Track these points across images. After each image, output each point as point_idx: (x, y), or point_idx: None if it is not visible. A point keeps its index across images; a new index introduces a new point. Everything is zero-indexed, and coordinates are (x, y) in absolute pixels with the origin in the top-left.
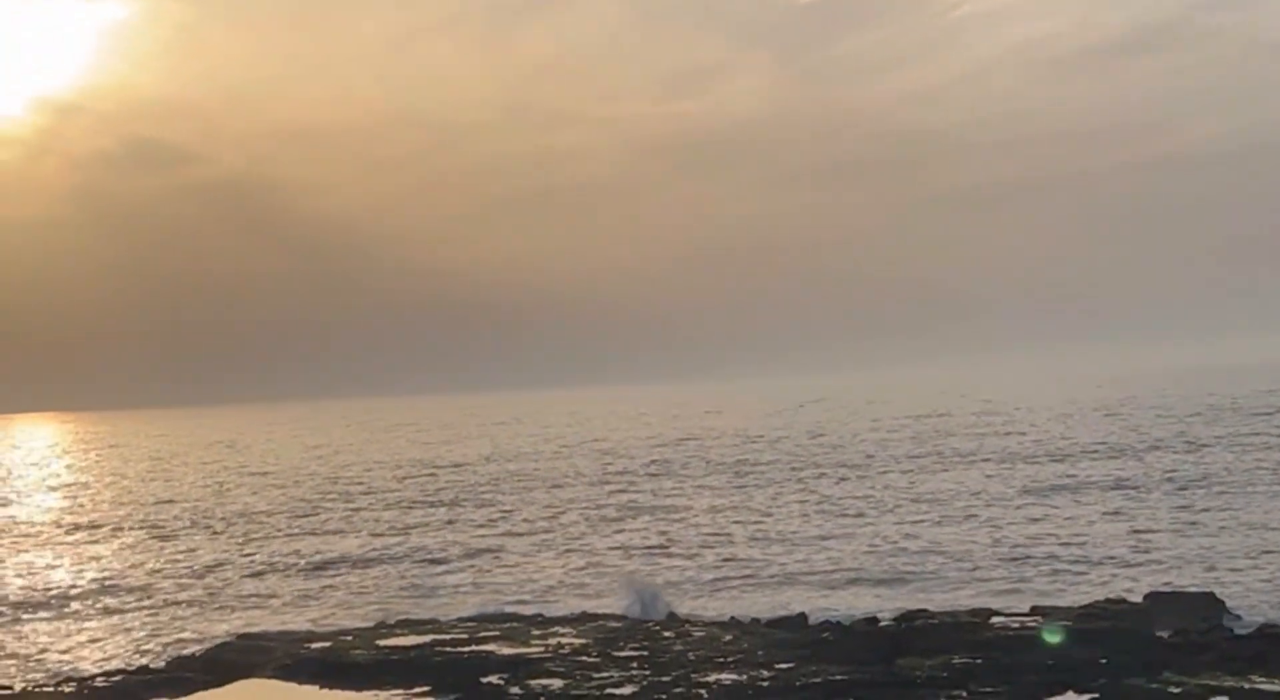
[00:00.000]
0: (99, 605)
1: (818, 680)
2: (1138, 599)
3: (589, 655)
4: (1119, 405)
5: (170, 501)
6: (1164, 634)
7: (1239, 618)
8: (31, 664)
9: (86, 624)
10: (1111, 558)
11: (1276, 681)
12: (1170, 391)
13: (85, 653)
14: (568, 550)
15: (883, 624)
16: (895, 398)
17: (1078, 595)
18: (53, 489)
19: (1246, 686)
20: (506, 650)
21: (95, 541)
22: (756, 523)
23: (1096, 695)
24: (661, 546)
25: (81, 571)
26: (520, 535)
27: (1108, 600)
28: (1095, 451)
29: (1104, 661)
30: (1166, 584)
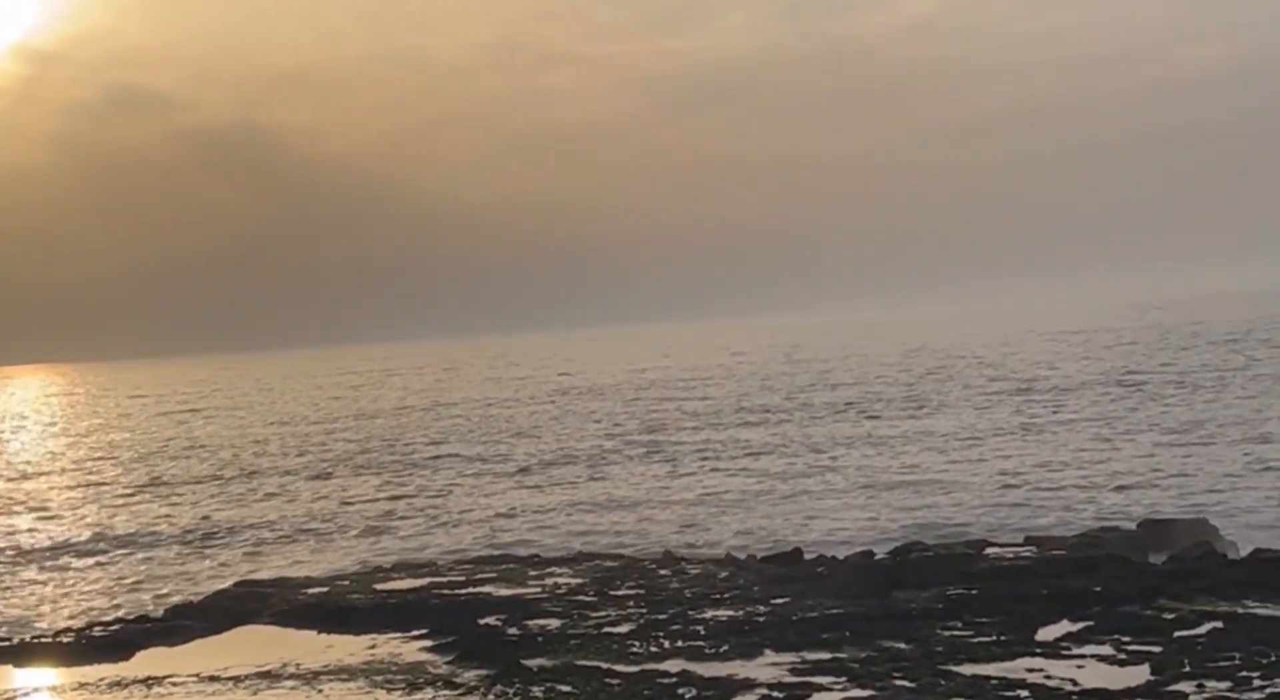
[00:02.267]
0: (96, 556)
1: (813, 614)
2: (1131, 526)
3: (586, 595)
4: (1109, 334)
5: (166, 452)
6: (1158, 561)
7: (1232, 543)
8: (30, 616)
9: (84, 575)
10: (1104, 486)
11: (1270, 605)
12: (1163, 319)
13: (83, 604)
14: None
15: (878, 558)
16: (899, 333)
17: (1072, 525)
18: (44, 441)
19: (1240, 611)
20: (503, 592)
21: (92, 492)
22: (744, 458)
23: (1091, 623)
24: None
25: (78, 523)
26: (521, 475)
27: (1101, 529)
28: (1086, 381)
29: (1098, 589)
30: (1159, 511)
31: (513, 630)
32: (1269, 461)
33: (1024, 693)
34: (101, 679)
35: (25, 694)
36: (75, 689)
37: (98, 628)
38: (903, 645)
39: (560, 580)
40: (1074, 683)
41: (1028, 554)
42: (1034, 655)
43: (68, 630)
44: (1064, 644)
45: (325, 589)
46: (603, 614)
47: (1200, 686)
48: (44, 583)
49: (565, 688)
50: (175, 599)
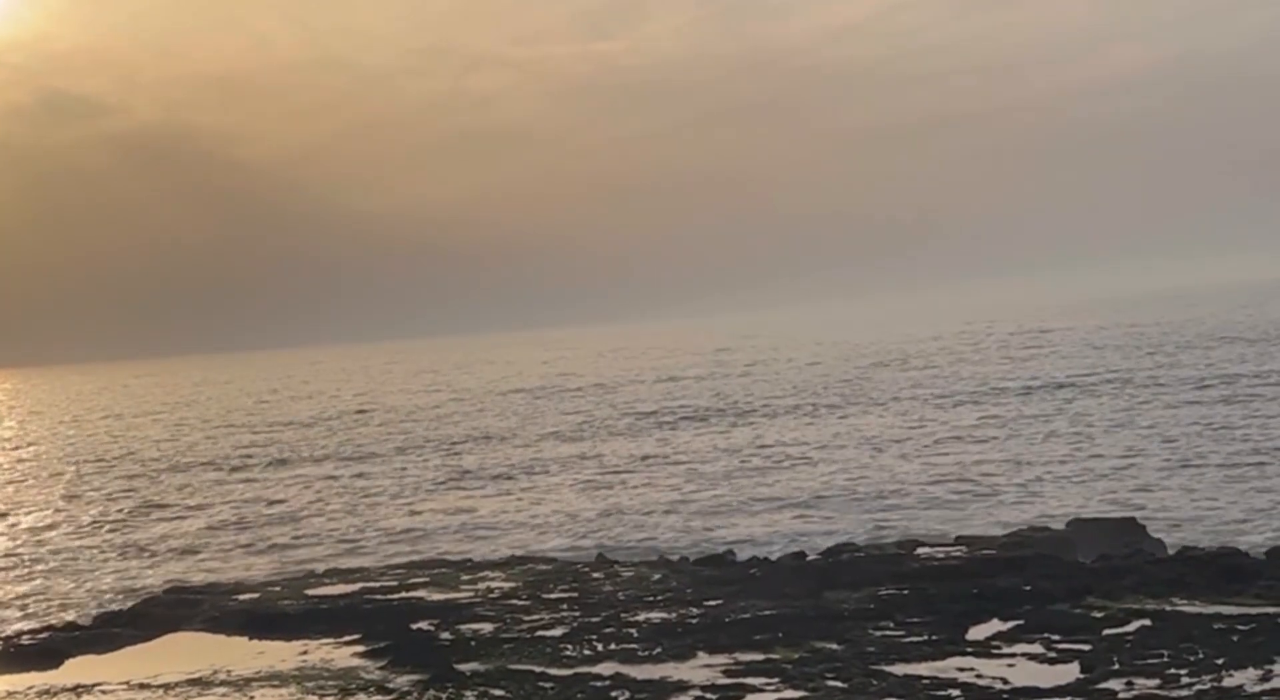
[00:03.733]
0: (22, 562)
1: (746, 616)
2: (1060, 526)
3: (519, 598)
4: (1045, 336)
5: (94, 456)
6: (1086, 560)
7: (1159, 542)
8: None
9: (9, 582)
10: (1032, 486)
11: (1196, 603)
12: (1100, 320)
13: (9, 611)
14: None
15: (810, 559)
16: (830, 334)
17: (1001, 524)
18: None
19: (1168, 609)
20: (436, 596)
21: (18, 497)
22: (685, 463)
23: (1021, 622)
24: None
25: (4, 528)
26: (457, 481)
27: (1030, 528)
28: (1017, 382)
29: (1027, 589)
30: (1087, 510)
31: (446, 635)
32: (1193, 461)
33: (955, 692)
34: (30, 688)
35: None
36: (3, 698)
37: (25, 636)
38: (835, 646)
39: (493, 584)
40: (1005, 681)
41: (958, 554)
42: (965, 654)
43: None
44: (995, 643)
45: (256, 595)
46: (536, 617)
47: (1129, 684)
48: None
49: (499, 692)
50: (104, 606)
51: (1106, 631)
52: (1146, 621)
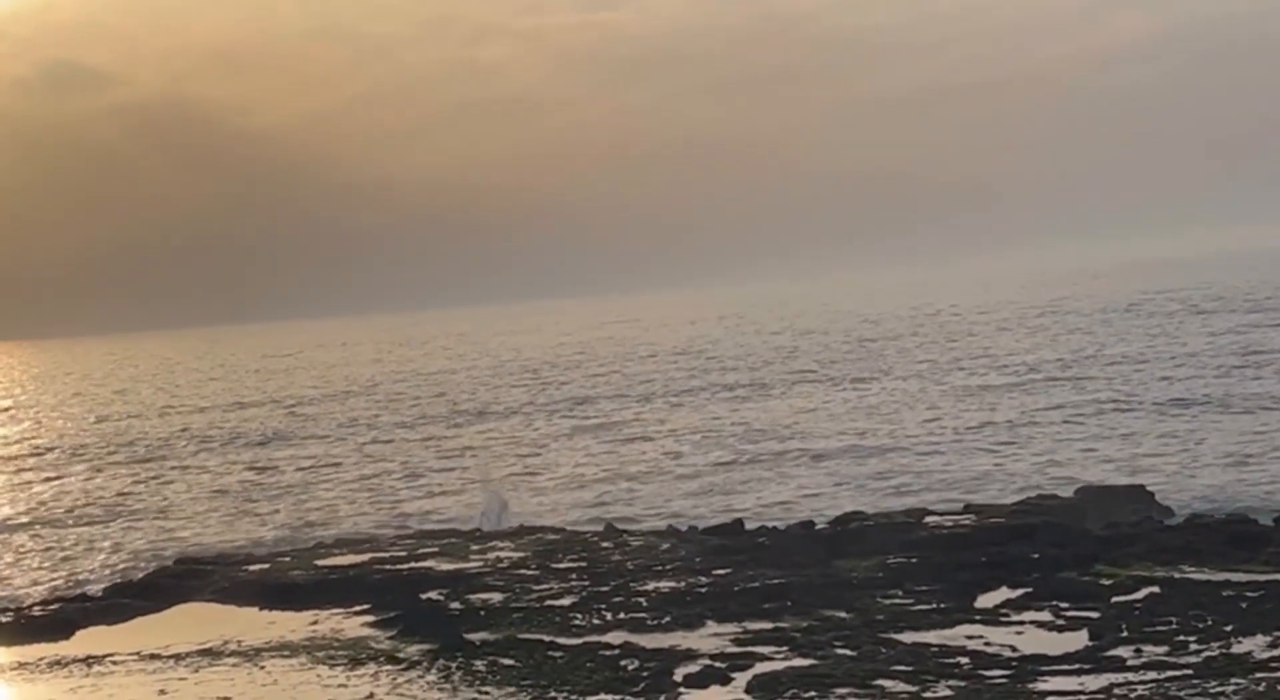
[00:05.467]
0: (34, 534)
1: (755, 585)
2: (1069, 494)
3: (528, 568)
4: (1061, 305)
5: (102, 427)
6: (1095, 528)
7: (1168, 509)
8: None
9: (21, 553)
10: (1041, 454)
11: (1205, 570)
12: (1114, 288)
13: (21, 582)
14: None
15: (818, 528)
16: (850, 303)
17: (1010, 492)
18: None
19: (1176, 576)
20: (446, 566)
21: (28, 470)
22: (695, 432)
23: (1030, 590)
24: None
25: (15, 500)
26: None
27: (1039, 496)
28: (1031, 351)
29: (1036, 557)
30: (1096, 478)
31: (455, 605)
32: (1204, 430)
33: (964, 660)
34: (41, 659)
35: None
36: (14, 669)
37: (37, 607)
38: (844, 614)
39: (502, 554)
40: (1013, 649)
41: (967, 522)
42: (974, 622)
43: (5, 610)
44: (1003, 611)
45: (266, 566)
46: (545, 587)
47: (1138, 651)
48: None
49: (508, 661)
50: (115, 577)
51: (1115, 599)
52: (1155, 588)
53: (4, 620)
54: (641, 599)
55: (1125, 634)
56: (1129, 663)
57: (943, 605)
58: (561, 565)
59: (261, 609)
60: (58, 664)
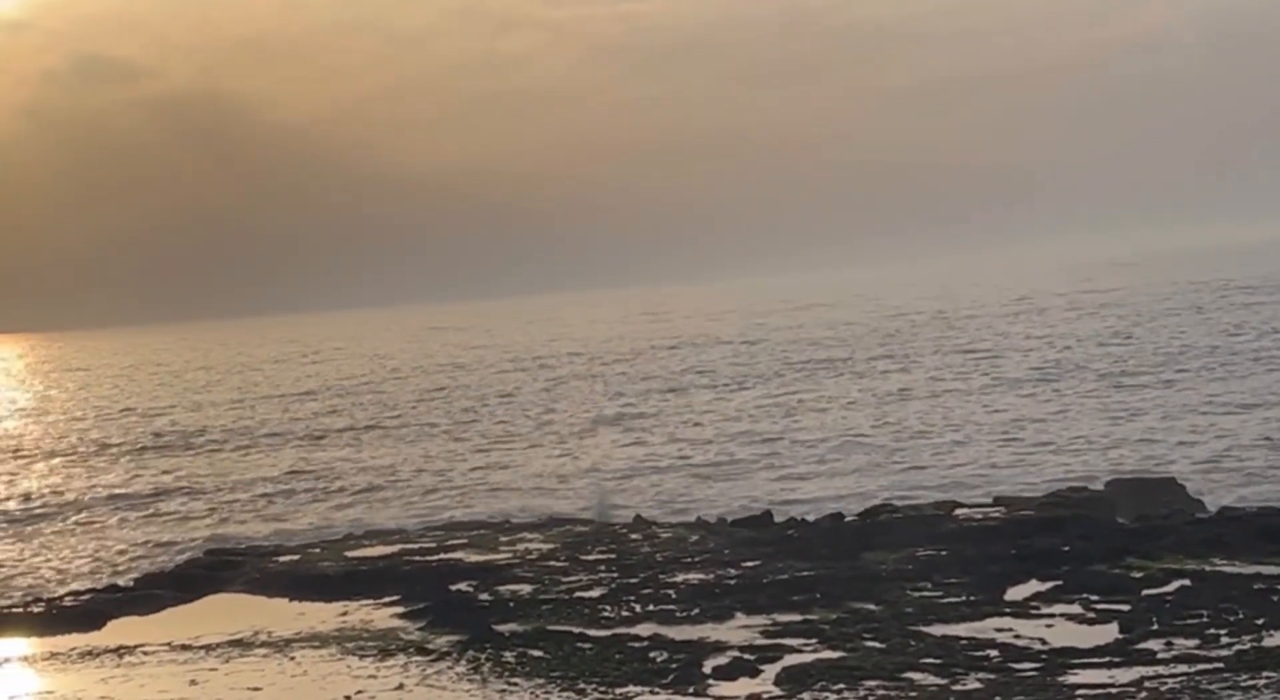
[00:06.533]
0: (67, 524)
1: (784, 577)
2: (1099, 486)
3: (557, 560)
4: (1102, 294)
5: (135, 420)
6: (1125, 520)
7: (1199, 501)
8: (0, 585)
9: (54, 544)
10: (1072, 446)
11: (1236, 563)
12: (1144, 279)
13: (53, 573)
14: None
15: (847, 520)
16: (877, 293)
17: (1040, 484)
18: (17, 409)
19: (1207, 569)
20: (475, 558)
21: (62, 461)
22: (728, 422)
23: (1060, 582)
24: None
25: (49, 491)
26: (500, 442)
27: (1070, 488)
28: (1063, 343)
29: (1066, 549)
30: (1127, 470)
31: (484, 596)
32: (1233, 424)
33: (993, 652)
34: (73, 649)
35: None
36: (46, 659)
37: (68, 598)
38: (873, 607)
39: (531, 546)
40: (1043, 642)
41: (996, 515)
42: (1003, 615)
43: (38, 600)
44: (1033, 604)
45: (296, 557)
46: (574, 579)
47: (1169, 644)
48: (15, 551)
49: (537, 652)
50: (146, 567)
51: (1145, 592)
52: (1186, 581)
53: (36, 610)
54: (670, 591)
55: (1156, 627)
56: (1159, 656)
57: (972, 598)
58: (591, 557)
59: (292, 600)
60: (89, 654)
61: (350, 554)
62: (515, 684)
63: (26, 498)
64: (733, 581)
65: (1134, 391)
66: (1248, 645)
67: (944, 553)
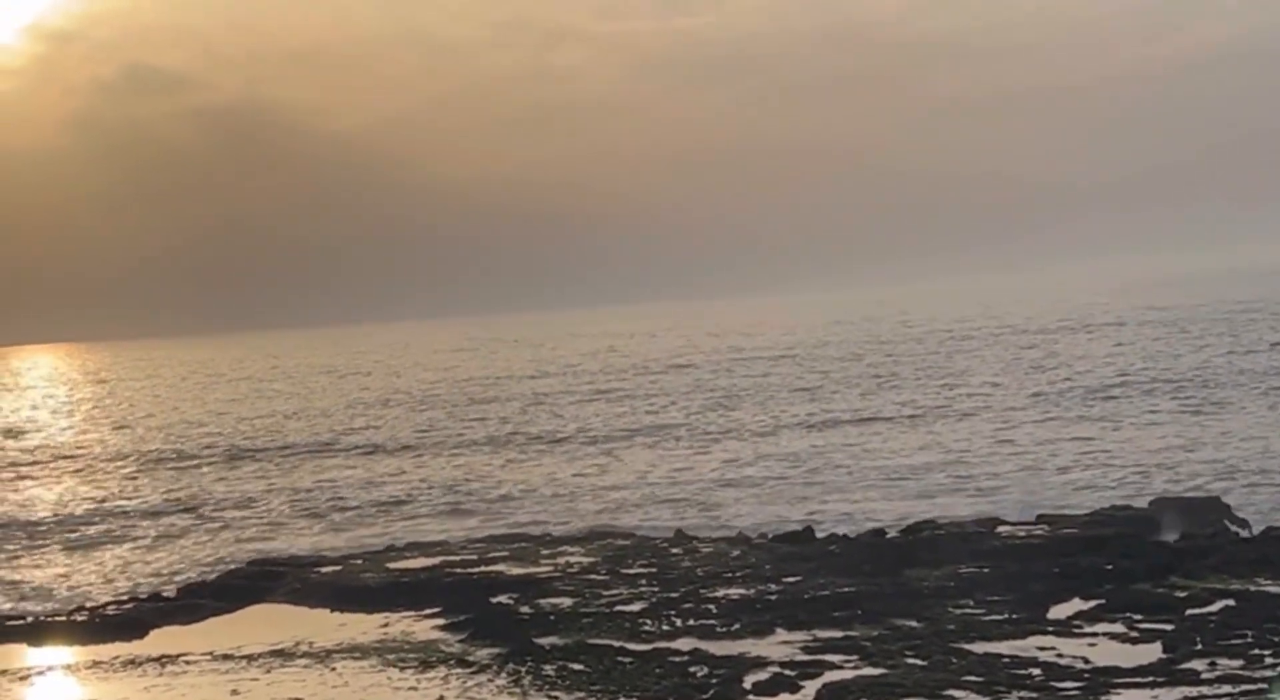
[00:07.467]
0: (110, 534)
1: (825, 593)
2: (1143, 505)
3: (597, 573)
4: (1135, 314)
5: (181, 430)
6: (1170, 539)
7: (1244, 521)
8: (44, 594)
9: (98, 553)
10: (1117, 464)
11: None
12: (1192, 299)
13: (97, 581)
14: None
15: (889, 536)
16: (919, 309)
17: (1084, 503)
18: (62, 419)
19: (1252, 589)
20: (516, 570)
21: (107, 471)
22: (767, 437)
23: (1103, 601)
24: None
25: (93, 500)
26: (542, 452)
27: (1113, 507)
28: (1108, 360)
29: (1110, 568)
30: (1171, 490)
31: (525, 609)
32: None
33: (1036, 671)
34: (116, 657)
35: (40, 673)
36: (89, 667)
37: (111, 606)
38: (914, 623)
39: (572, 559)
40: (1086, 661)
41: (1039, 532)
42: (1046, 633)
43: (82, 609)
44: (1076, 622)
45: (338, 568)
46: (615, 592)
47: (1212, 664)
48: (60, 560)
49: (577, 666)
50: (189, 578)
51: (1189, 611)
52: (1230, 601)
53: (80, 619)
54: (711, 605)
55: (1199, 647)
56: (1203, 676)
57: (1014, 616)
58: (631, 571)
59: (333, 611)
60: (132, 663)
61: (391, 565)
62: (555, 697)
63: (71, 506)
64: (774, 597)
65: (1182, 410)
66: None
67: (986, 570)
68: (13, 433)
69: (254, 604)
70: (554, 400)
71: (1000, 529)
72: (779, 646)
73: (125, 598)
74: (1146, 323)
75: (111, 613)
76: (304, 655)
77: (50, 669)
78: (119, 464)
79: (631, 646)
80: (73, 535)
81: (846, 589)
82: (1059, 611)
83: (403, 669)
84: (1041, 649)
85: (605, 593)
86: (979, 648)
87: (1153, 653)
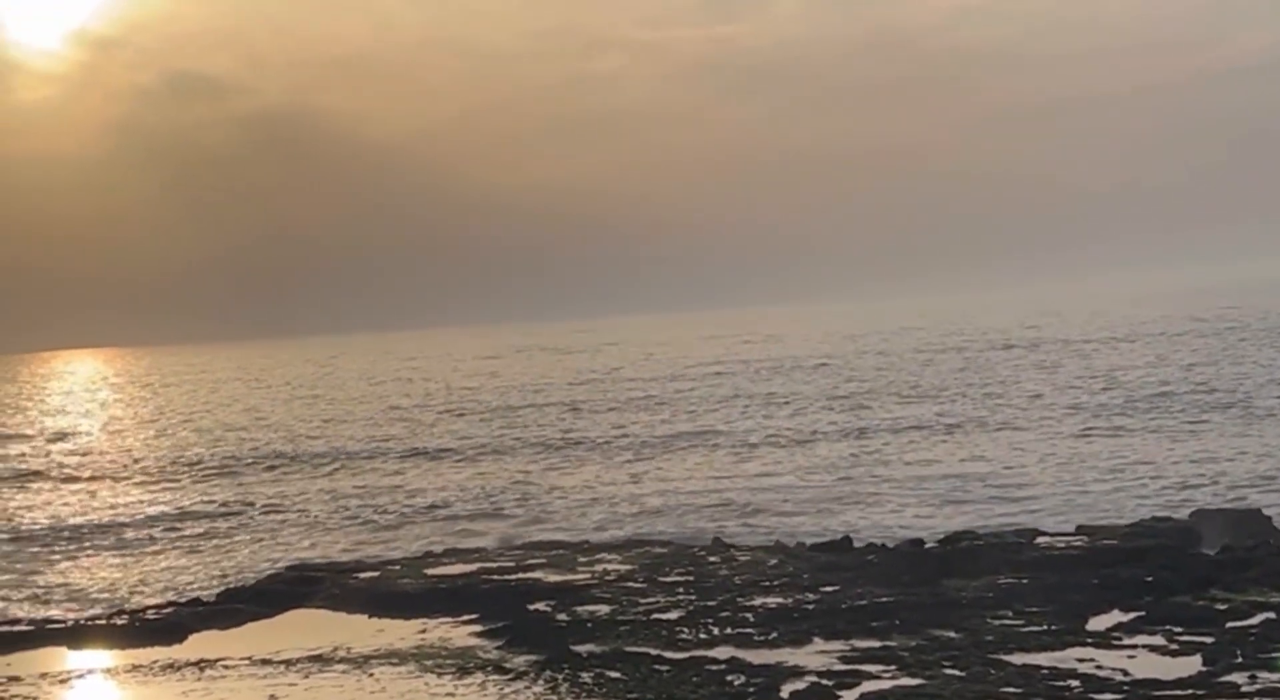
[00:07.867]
0: (150, 538)
1: (863, 603)
2: (1184, 516)
3: (635, 581)
4: (1185, 324)
5: (223, 435)
6: (1210, 551)
7: None
8: (84, 598)
9: (137, 557)
10: (1157, 476)
11: None
12: (1236, 310)
13: (136, 586)
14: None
15: (928, 546)
16: (949, 321)
17: (1124, 514)
18: (106, 424)
19: None
20: (553, 578)
21: (149, 475)
22: (805, 446)
23: (1143, 613)
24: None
25: (135, 504)
26: (578, 461)
27: (1154, 518)
28: (1154, 372)
29: (1150, 579)
30: (1212, 502)
31: (562, 616)
32: None
33: (1074, 683)
34: (154, 661)
35: (79, 676)
36: (128, 671)
37: (150, 610)
38: (952, 634)
39: (610, 566)
40: (1125, 673)
41: (1079, 543)
42: (1085, 645)
43: (121, 612)
44: (1115, 634)
45: (376, 574)
46: (652, 600)
47: (1253, 678)
48: (100, 564)
49: (614, 674)
50: (228, 582)
51: (1230, 624)
52: (1271, 614)
53: (118, 623)
54: (748, 614)
55: (1240, 660)
56: (1243, 689)
57: (1053, 627)
58: (669, 579)
59: (371, 616)
60: (170, 667)
61: (429, 571)
62: None
63: (112, 510)
64: (811, 606)
65: (1224, 422)
66: None
67: (1025, 581)
68: (57, 437)
69: (292, 609)
70: (593, 407)
71: (1039, 540)
72: (816, 656)
73: (164, 602)
74: (1188, 333)
75: (151, 617)
76: (342, 660)
77: (90, 672)
78: (161, 468)
79: (668, 655)
80: (113, 539)
81: (884, 599)
82: (1098, 623)
83: (440, 675)
84: (1080, 661)
85: (642, 600)
86: (1017, 659)
87: (1193, 665)
